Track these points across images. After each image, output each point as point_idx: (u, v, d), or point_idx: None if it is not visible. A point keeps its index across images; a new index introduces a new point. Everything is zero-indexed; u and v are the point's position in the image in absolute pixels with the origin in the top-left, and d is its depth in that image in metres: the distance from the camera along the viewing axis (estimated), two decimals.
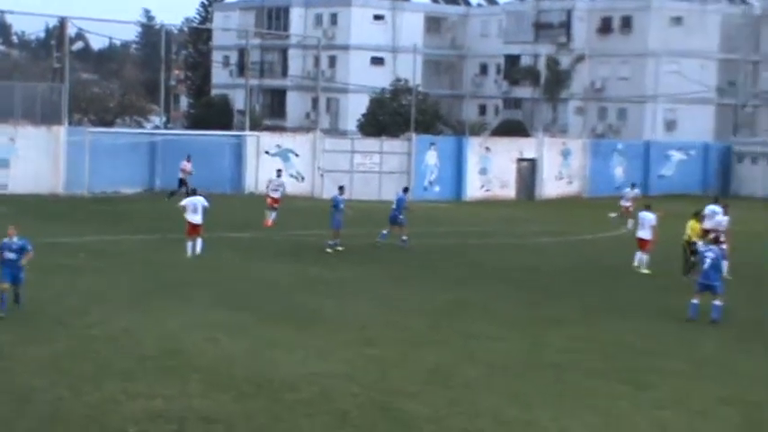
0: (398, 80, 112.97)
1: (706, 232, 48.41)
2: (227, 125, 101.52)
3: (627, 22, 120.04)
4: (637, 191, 73.77)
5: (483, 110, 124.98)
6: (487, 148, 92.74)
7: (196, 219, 43.91)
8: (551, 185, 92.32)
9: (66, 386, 25.23)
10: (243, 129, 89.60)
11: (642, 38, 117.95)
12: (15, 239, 32.33)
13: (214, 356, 29.80)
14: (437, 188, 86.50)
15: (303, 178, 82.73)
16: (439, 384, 27.85)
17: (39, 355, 27.13)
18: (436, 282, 44.84)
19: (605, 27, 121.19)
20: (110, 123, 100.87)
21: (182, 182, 73.70)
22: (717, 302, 38.52)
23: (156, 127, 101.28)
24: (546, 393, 27.37)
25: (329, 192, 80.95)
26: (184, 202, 45.07)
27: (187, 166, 76.12)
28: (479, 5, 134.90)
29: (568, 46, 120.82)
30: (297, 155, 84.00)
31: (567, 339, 34.39)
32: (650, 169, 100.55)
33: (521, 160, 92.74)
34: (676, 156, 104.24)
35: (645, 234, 51.35)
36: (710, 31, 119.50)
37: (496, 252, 54.57)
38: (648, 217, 51.88)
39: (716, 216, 51.08)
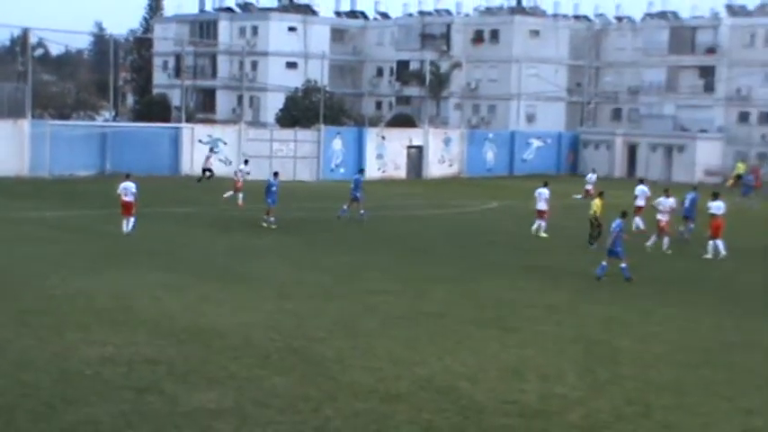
0: (309, 81, 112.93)
1: (639, 209, 50.79)
2: (166, 119, 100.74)
3: (495, 35, 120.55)
4: (595, 176, 74.91)
5: (379, 105, 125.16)
6: (383, 137, 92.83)
7: (128, 198, 43.34)
8: (435, 167, 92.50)
9: (32, 337, 25.26)
10: (179, 121, 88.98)
11: (507, 47, 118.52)
12: None
13: (157, 311, 29.76)
14: (342, 170, 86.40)
15: (230, 162, 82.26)
16: (343, 331, 27.91)
17: (8, 312, 26.78)
18: (342, 247, 44.83)
19: (478, 38, 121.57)
20: (67, 117, 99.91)
21: (206, 170, 74.96)
22: (622, 265, 39.06)
23: (106, 120, 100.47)
24: (431, 338, 27.57)
25: (253, 173, 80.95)
26: (119, 187, 44.30)
27: (211, 157, 77.78)
28: (375, 19, 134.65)
29: (448, 53, 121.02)
30: (225, 143, 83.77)
31: (448, 294, 34.64)
32: (515, 154, 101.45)
33: (410, 147, 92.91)
34: (536, 143, 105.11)
35: (542, 206, 52.37)
36: (561, 42, 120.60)
37: (391, 222, 54.59)
38: (544, 192, 52.81)
39: (645, 194, 52.77)
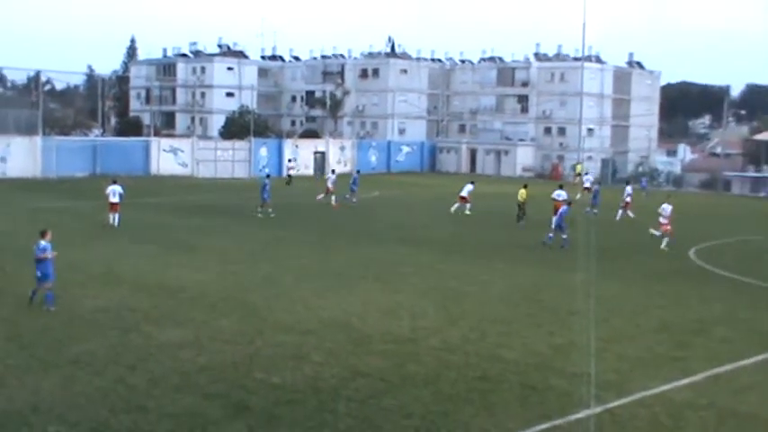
0: (242, 106, 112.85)
1: (567, 202, 47.44)
2: (139, 134, 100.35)
3: (376, 72, 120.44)
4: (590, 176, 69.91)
5: (293, 123, 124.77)
6: (297, 146, 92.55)
7: (114, 200, 42.43)
8: (335, 166, 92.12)
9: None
10: (149, 136, 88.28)
11: (384, 81, 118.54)
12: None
13: (135, 273, 29.48)
14: (267, 169, 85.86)
15: (186, 165, 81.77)
16: (269, 285, 27.86)
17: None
18: (269, 226, 44.58)
19: (364, 74, 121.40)
20: (67, 134, 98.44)
21: (289, 176, 77.54)
22: (564, 236, 39.32)
23: (96, 136, 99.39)
24: (332, 289, 27.61)
25: (203, 173, 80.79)
26: (107, 189, 43.23)
27: (292, 164, 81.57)
28: (290, 61, 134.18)
29: (343, 85, 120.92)
30: (182, 151, 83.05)
31: (344, 258, 34.58)
32: (391, 157, 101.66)
33: (316, 152, 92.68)
34: (405, 149, 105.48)
35: (464, 193, 52.99)
36: (423, 77, 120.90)
37: (302, 208, 54.43)
38: (468, 186, 53.37)
39: (561, 196, 47.28)
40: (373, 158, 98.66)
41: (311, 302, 25.37)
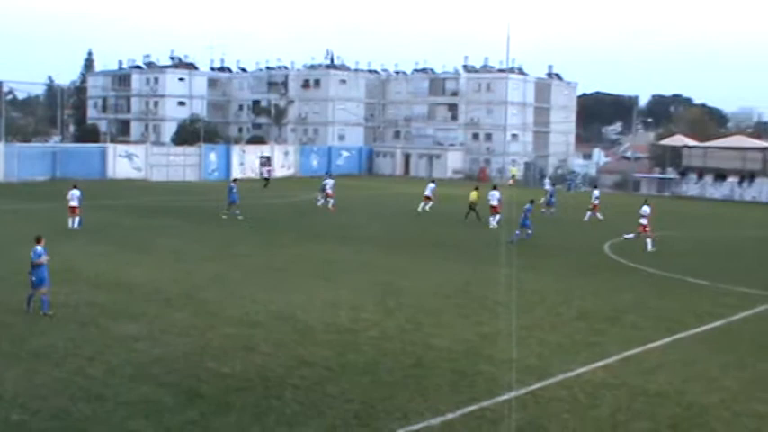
0: (193, 114, 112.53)
1: (530, 200, 44.91)
2: (96, 141, 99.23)
3: (317, 82, 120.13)
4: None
5: (240, 130, 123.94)
6: (243, 151, 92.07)
7: (74, 203, 41.70)
8: (279, 171, 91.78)
9: (6, 291, 24.47)
10: (106, 142, 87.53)
11: (325, 90, 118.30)
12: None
13: (93, 270, 29.07)
14: (216, 173, 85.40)
15: (141, 169, 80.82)
16: (219, 282, 27.63)
17: None
18: (219, 226, 44.28)
19: (306, 84, 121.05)
20: (29, 141, 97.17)
21: (266, 179, 76.27)
22: (529, 232, 40.30)
23: (56, 142, 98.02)
24: (278, 284, 27.52)
25: (157, 177, 79.92)
26: (68, 194, 42.32)
27: (267, 168, 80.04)
28: (237, 72, 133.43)
29: (286, 95, 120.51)
30: (137, 156, 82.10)
31: (289, 255, 34.43)
32: (331, 161, 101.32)
33: (261, 157, 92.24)
34: (345, 153, 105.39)
35: (427, 192, 53.38)
36: (360, 87, 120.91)
37: (252, 208, 54.05)
38: (431, 185, 54.00)
39: (495, 197, 47.13)
40: (315, 163, 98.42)
41: (259, 297, 25.25)
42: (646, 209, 40.08)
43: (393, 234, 43.18)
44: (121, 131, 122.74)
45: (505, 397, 16.31)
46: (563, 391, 16.94)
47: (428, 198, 53.68)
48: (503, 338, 20.43)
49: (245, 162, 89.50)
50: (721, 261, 36.71)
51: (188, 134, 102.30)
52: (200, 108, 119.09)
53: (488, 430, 14.70)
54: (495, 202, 47.02)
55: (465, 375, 17.80)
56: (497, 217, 46.48)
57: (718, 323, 23.61)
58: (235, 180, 52.88)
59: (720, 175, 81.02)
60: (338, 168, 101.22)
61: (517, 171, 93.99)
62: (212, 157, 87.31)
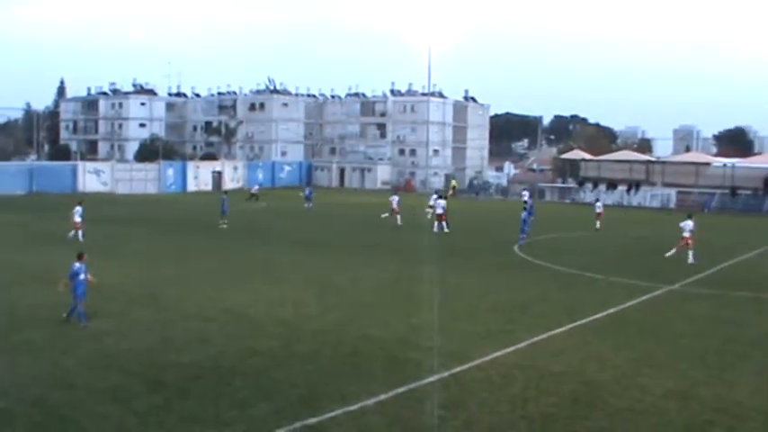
0: (153, 134, 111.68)
1: (524, 208, 45.53)
2: (68, 159, 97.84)
3: (262, 105, 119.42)
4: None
5: (195, 148, 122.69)
6: (198, 166, 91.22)
7: (76, 219, 40.14)
8: (230, 184, 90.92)
9: None
10: (76, 160, 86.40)
11: (270, 112, 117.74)
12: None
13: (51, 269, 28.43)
14: (173, 186, 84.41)
15: (107, 184, 79.68)
16: (178, 282, 27.37)
17: None
18: (174, 233, 43.82)
19: (252, 107, 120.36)
20: (8, 159, 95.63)
21: (252, 194, 72.54)
22: (524, 236, 41.15)
23: (33, 160, 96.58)
24: (227, 283, 27.30)
25: (121, 190, 78.73)
26: (76, 209, 39.80)
27: (255, 187, 76.32)
28: (192, 97, 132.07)
29: (235, 116, 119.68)
30: (104, 172, 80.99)
31: (237, 258, 34.21)
32: (275, 175, 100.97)
33: (214, 172, 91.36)
34: (287, 168, 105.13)
35: (394, 205, 50.62)
36: (300, 109, 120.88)
37: (206, 217, 53.55)
38: (395, 198, 51.85)
39: (439, 203, 46.53)
40: (260, 176, 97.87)
41: (213, 296, 25.05)
42: (689, 223, 36.70)
43: (332, 238, 43.10)
44: (90, 150, 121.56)
45: (431, 379, 16.46)
46: (480, 373, 17.14)
47: (395, 211, 50.08)
48: (429, 328, 20.59)
49: (199, 176, 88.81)
50: (614, 258, 37.36)
51: (149, 152, 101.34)
52: (159, 129, 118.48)
53: (416, 408, 14.84)
54: (440, 210, 46.54)
55: (396, 361, 17.90)
56: (443, 224, 46.28)
57: (610, 311, 24.06)
58: (226, 192, 52.19)
59: (612, 184, 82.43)
60: (281, 181, 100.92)
61: (458, 183, 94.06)
62: (170, 172, 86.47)
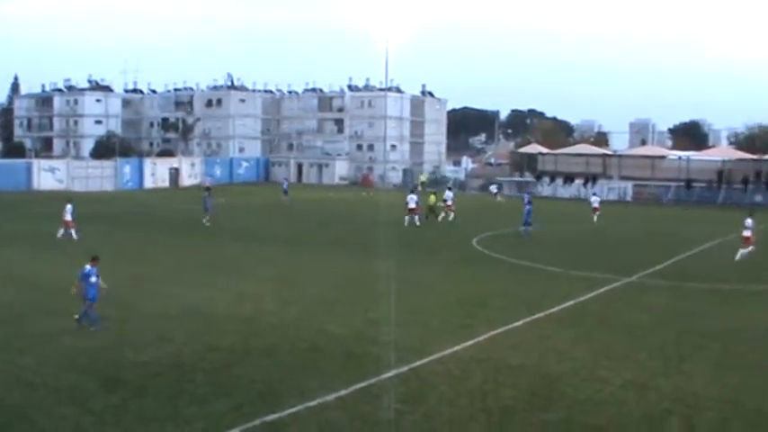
0: (110, 131, 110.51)
1: (528, 201, 47.04)
2: (22, 156, 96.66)
3: (219, 102, 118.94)
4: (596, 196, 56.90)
5: (151, 144, 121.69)
6: (154, 163, 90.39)
7: (67, 217, 39.12)
8: (187, 180, 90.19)
9: None
10: (31, 158, 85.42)
11: (227, 108, 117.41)
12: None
13: (26, 273, 28.04)
14: (130, 183, 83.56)
15: (63, 181, 78.62)
16: (137, 280, 27.03)
17: None
18: (131, 229, 43.29)
19: (209, 103, 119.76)
20: None
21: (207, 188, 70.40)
22: (524, 228, 41.97)
23: None
24: (191, 281, 27.06)
25: (77, 188, 77.58)
26: (67, 207, 38.69)
27: (207, 179, 76.73)
28: (148, 93, 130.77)
29: (192, 112, 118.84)
30: (59, 170, 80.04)
31: (200, 255, 33.92)
32: (233, 171, 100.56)
33: (171, 168, 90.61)
34: (245, 164, 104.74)
35: (412, 204, 47.12)
36: (258, 105, 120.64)
37: (155, 213, 53.08)
38: (413, 196, 48.92)
39: (413, 200, 46.68)
40: (218, 172, 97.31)
41: (172, 293, 24.82)
42: (749, 221, 35.39)
43: (293, 233, 42.96)
44: (45, 148, 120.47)
45: (390, 374, 16.47)
46: (440, 367, 17.19)
47: (413, 210, 47.07)
48: (388, 323, 20.59)
49: (156, 173, 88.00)
50: (573, 251, 37.69)
51: (105, 149, 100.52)
52: (115, 126, 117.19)
53: (376, 403, 14.84)
54: (413, 205, 47.01)
55: (355, 357, 17.88)
56: (415, 217, 46.63)
57: (569, 304, 24.27)
58: (207, 189, 51.70)
59: (569, 178, 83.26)
60: (239, 177, 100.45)
61: (426, 177, 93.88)
62: (127, 169, 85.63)
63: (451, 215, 49.63)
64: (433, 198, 51.17)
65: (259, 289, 25.85)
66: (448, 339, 19.43)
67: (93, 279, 20.07)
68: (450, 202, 50.56)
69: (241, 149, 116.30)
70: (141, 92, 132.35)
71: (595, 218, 52.20)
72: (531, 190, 74.45)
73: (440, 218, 49.50)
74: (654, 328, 21.31)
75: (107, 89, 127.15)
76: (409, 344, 18.84)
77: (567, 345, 19.34)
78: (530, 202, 46.13)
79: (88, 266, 20.23)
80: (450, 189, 55.15)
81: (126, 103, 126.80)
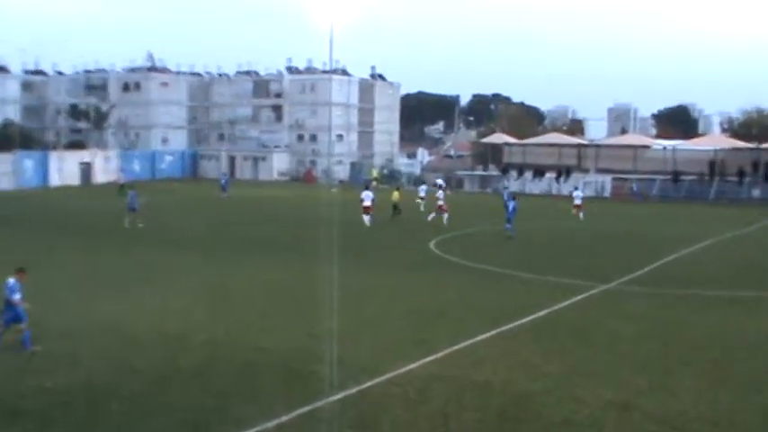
0: (7, 119, 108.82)
1: (513, 197, 48.31)
2: None
3: (138, 85, 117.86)
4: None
5: (58, 135, 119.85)
6: (62, 157, 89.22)
7: None
8: (101, 176, 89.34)
9: None
10: None
11: (147, 93, 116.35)
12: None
13: None
14: (33, 181, 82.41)
15: None
16: (43, 292, 26.40)
17: None
18: (36, 233, 42.59)
19: (127, 87, 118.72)
20: None
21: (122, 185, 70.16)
22: (508, 225, 42.94)
23: None
24: (106, 292, 26.74)
25: None
26: None
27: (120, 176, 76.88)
28: (54, 75, 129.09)
29: (107, 98, 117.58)
30: None
31: (116, 262, 33.51)
32: (155, 165, 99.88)
33: (82, 163, 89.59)
34: (169, 157, 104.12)
35: (441, 201, 50.07)
36: (183, 90, 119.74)
37: (65, 215, 52.33)
38: (441, 192, 51.59)
39: (369, 197, 47.57)
40: (137, 167, 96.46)
41: (84, 307, 24.46)
42: None
43: (221, 236, 42.73)
44: None
45: (338, 396, 16.40)
46: (395, 388, 17.16)
47: (442, 207, 49.55)
48: (334, 338, 20.54)
49: (64, 169, 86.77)
50: (543, 254, 38.01)
51: (2, 140, 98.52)
52: (13, 113, 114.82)
53: (321, 430, 14.76)
54: (368, 203, 47.37)
55: (297, 377, 17.79)
56: (368, 217, 46.83)
57: (540, 314, 24.44)
58: (133, 187, 51.23)
59: (539, 171, 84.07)
60: (161, 172, 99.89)
61: (378, 172, 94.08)
62: (28, 163, 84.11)
63: (445, 216, 49.04)
64: (396, 194, 51.34)
65: (186, 300, 25.63)
66: (403, 356, 19.42)
67: (17, 296, 19.56)
68: (441, 202, 50.31)
69: (164, 141, 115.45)
70: (45, 73, 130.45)
71: (581, 216, 52.87)
72: (507, 185, 75.06)
73: (430, 218, 49.65)
74: (635, 341, 21.56)
75: (2, 70, 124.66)
76: (359, 361, 18.80)
77: (539, 359, 19.46)
78: (513, 199, 46.70)
79: (11, 280, 19.74)
80: (441, 187, 55.59)
81: (26, 87, 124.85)
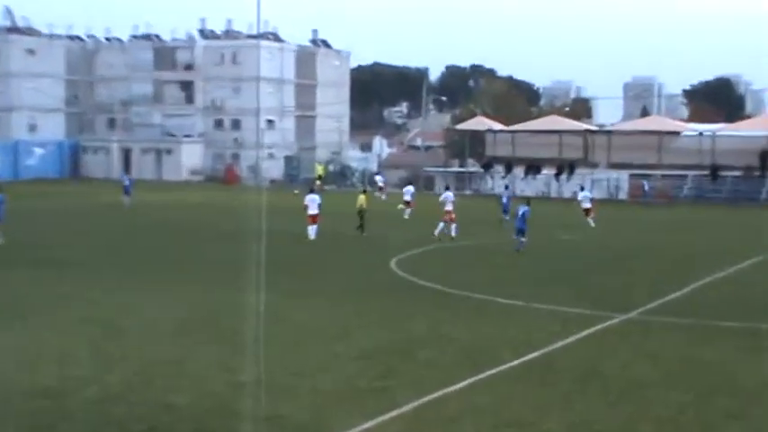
0: None
1: (527, 201, 48.15)
2: None
3: None
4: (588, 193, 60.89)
5: None
6: None
7: None
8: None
9: None
10: None
11: (6, 63, 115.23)
12: None
13: None
14: None
15: None
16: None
17: None
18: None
19: None
20: None
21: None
22: (522, 239, 43.50)
23: None
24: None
25: None
26: None
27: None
28: None
29: None
30: None
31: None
32: (19, 161, 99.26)
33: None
34: (39, 150, 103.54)
35: (449, 206, 50.38)
36: (57, 58, 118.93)
37: None
38: (449, 195, 51.32)
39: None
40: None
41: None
42: None
43: (109, 254, 42.53)
44: None
45: None
46: None
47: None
48: (263, 388, 20.53)
49: None
50: (538, 275, 38.16)
51: None
52: None
53: None
54: (314, 210, 47.86)
55: None
56: (313, 228, 47.48)
57: (535, 353, 24.51)
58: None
59: (533, 167, 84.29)
60: (29, 171, 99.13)
61: (323, 169, 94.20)
62: None
63: (453, 228, 49.11)
64: (363, 198, 51.31)
65: (63, 342, 25.39)
66: (355, 411, 19.45)
67: None
68: (450, 207, 49.95)
69: (32, 128, 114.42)
70: None
71: (591, 222, 53.20)
72: (507, 184, 74.88)
73: (436, 232, 48.95)
74: (664, 388, 21.63)
75: None
76: (297, 419, 18.82)
77: (534, 415, 19.54)
78: (527, 204, 47.01)
79: None
80: (447, 188, 55.73)
81: None
